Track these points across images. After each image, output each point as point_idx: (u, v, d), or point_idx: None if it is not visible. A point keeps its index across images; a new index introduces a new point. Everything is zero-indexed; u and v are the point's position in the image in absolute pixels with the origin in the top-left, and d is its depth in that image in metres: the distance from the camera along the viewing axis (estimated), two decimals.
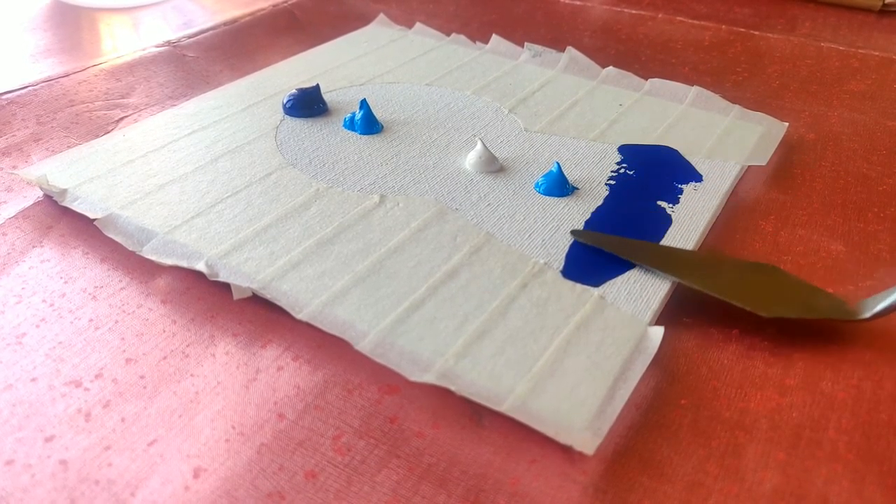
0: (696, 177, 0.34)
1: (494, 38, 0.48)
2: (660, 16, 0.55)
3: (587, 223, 0.30)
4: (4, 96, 0.40)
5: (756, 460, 0.21)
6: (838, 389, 0.24)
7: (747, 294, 0.26)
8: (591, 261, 0.28)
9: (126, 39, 0.49)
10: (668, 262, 0.28)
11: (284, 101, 0.38)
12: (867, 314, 0.25)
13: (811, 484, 0.21)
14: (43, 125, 0.38)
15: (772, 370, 0.24)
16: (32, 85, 0.41)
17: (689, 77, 0.43)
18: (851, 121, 0.40)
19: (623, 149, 0.36)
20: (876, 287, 0.28)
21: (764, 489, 0.21)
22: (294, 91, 0.38)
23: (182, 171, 0.33)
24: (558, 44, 0.48)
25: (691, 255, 0.29)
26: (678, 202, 0.32)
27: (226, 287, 0.27)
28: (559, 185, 0.32)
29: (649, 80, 0.43)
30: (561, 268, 0.28)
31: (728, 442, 0.22)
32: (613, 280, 0.27)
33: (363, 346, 0.24)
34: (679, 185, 0.33)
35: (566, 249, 0.29)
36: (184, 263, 0.27)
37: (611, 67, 0.44)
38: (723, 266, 0.29)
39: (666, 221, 0.31)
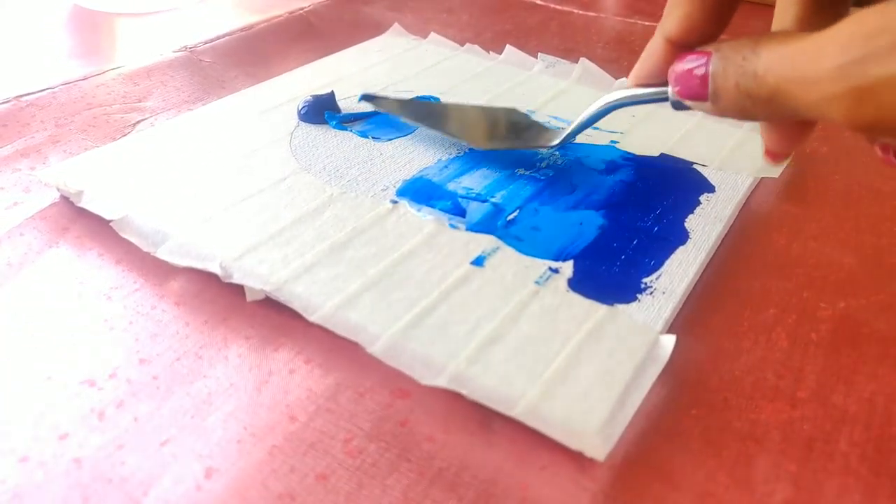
0: (709, 188, 0.34)
1: (508, 48, 0.48)
2: None
3: (597, 232, 0.30)
4: (24, 98, 0.40)
5: (767, 472, 0.21)
6: (850, 402, 0.24)
7: (475, 132, 0.34)
8: (599, 274, 0.28)
9: (144, 44, 0.49)
10: (438, 119, 0.35)
11: (299, 108, 0.39)
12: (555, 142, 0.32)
13: (822, 497, 0.21)
14: (61, 127, 0.38)
15: (783, 382, 0.24)
16: (51, 88, 0.42)
17: None
18: None
19: (635, 159, 0.36)
20: (888, 301, 0.28)
21: (775, 501, 0.21)
22: (309, 97, 0.39)
23: (197, 174, 0.33)
24: (572, 55, 0.48)
25: (464, 110, 0.38)
26: (691, 213, 0.32)
27: (239, 290, 0.27)
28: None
29: None
30: (570, 277, 0.28)
31: (739, 452, 0.22)
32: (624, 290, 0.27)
33: (375, 349, 0.24)
34: (692, 196, 0.33)
35: (576, 260, 0.29)
36: (198, 265, 0.28)
37: (624, 79, 0.44)
38: (481, 113, 0.37)
39: (679, 232, 0.31)
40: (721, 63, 0.22)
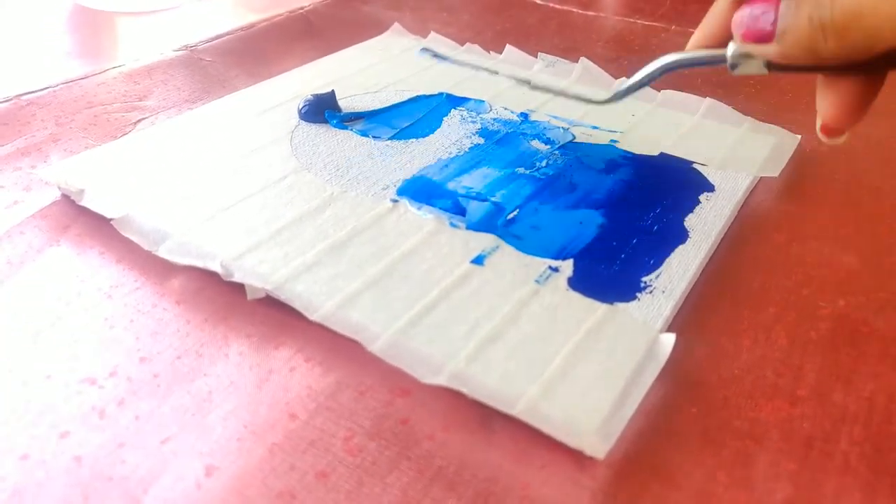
0: (709, 187, 0.34)
1: (508, 48, 0.48)
2: (673, 27, 0.56)
3: (598, 230, 0.30)
4: (25, 97, 0.40)
5: (766, 470, 0.21)
6: (850, 401, 0.24)
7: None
8: (599, 273, 0.28)
9: (144, 43, 0.49)
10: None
11: (300, 107, 0.39)
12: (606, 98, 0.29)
13: (822, 495, 0.21)
14: (62, 126, 0.38)
15: (783, 381, 0.24)
16: (52, 86, 0.42)
17: (701, 89, 0.43)
18: (865, 134, 0.40)
19: (635, 158, 0.36)
20: (888, 300, 0.28)
21: (774, 499, 0.21)
22: (309, 97, 0.39)
23: (198, 173, 0.33)
24: (571, 54, 0.48)
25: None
26: (691, 212, 0.32)
27: (239, 288, 0.27)
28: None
29: (662, 91, 0.43)
30: (570, 276, 0.28)
31: (738, 451, 0.22)
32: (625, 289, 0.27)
33: (376, 347, 0.24)
34: (692, 195, 0.33)
35: (576, 259, 0.29)
36: (199, 263, 0.28)
37: (623, 78, 0.44)
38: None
39: (679, 231, 0.31)
40: (792, 1, 0.22)
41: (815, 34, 0.22)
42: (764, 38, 0.23)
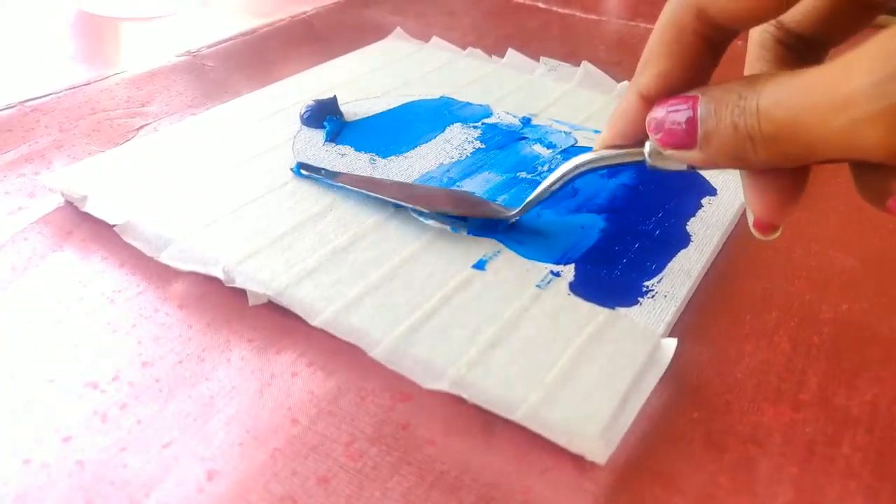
0: (711, 191, 0.34)
1: (510, 52, 0.48)
2: None
3: (599, 234, 0.30)
4: (28, 103, 0.41)
5: (769, 475, 0.21)
6: (853, 406, 0.24)
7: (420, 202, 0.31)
8: (600, 278, 0.28)
9: (147, 49, 0.49)
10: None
11: (302, 112, 0.39)
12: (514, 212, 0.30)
13: (824, 500, 0.21)
14: (65, 132, 0.38)
15: (785, 385, 0.24)
16: (56, 93, 0.42)
17: None
18: None
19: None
20: (891, 304, 0.28)
21: None
22: (311, 102, 0.39)
23: (200, 179, 0.33)
24: (574, 58, 0.48)
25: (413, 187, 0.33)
26: (693, 216, 0.32)
27: (242, 293, 0.27)
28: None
29: None
30: (571, 280, 0.28)
31: (740, 456, 0.22)
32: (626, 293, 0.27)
33: (377, 353, 0.24)
34: (694, 199, 0.33)
35: (577, 263, 0.29)
36: (201, 269, 0.28)
37: (626, 82, 0.44)
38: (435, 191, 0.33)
39: (681, 235, 0.31)
40: (711, 105, 0.20)
41: (743, 143, 0.19)
42: (684, 144, 0.21)
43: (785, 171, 0.21)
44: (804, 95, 0.18)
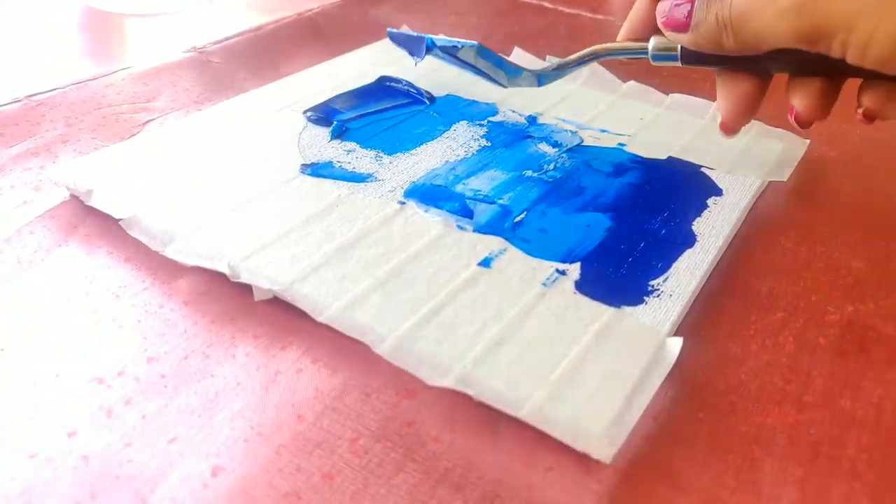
0: (717, 191, 0.34)
1: (516, 50, 0.48)
2: None
3: (605, 233, 0.30)
4: (35, 98, 0.41)
5: (773, 476, 0.21)
6: (858, 407, 0.24)
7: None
8: (606, 276, 0.28)
9: (153, 45, 0.49)
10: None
11: (307, 112, 0.39)
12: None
13: (829, 502, 0.21)
14: (71, 127, 0.38)
15: (790, 386, 0.24)
16: (62, 87, 0.42)
17: (710, 93, 0.43)
18: (874, 139, 0.40)
19: (643, 162, 0.36)
20: None
21: None
22: (315, 105, 0.39)
23: (205, 174, 0.33)
24: None
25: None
26: (698, 216, 0.32)
27: (247, 289, 0.27)
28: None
29: (670, 94, 0.43)
30: (577, 279, 0.28)
31: (745, 456, 0.22)
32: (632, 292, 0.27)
33: (382, 349, 0.24)
34: (699, 199, 0.33)
35: (583, 262, 0.29)
36: (206, 264, 0.28)
37: (632, 82, 0.44)
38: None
39: (686, 235, 0.31)
40: (704, 1, 0.27)
41: (720, 29, 0.27)
42: (680, 27, 0.28)
43: (747, 80, 0.29)
44: None
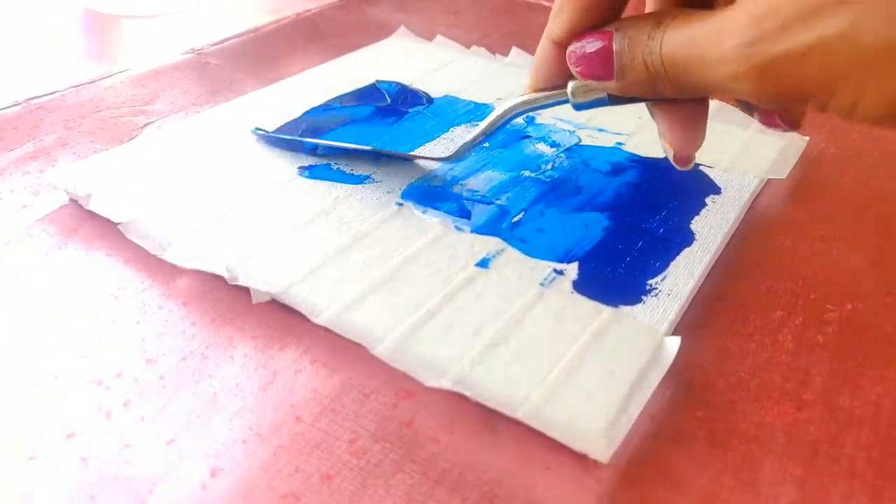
0: (715, 189, 0.34)
1: (514, 50, 0.48)
2: None
3: (603, 233, 0.30)
4: (33, 101, 0.41)
5: (773, 475, 0.21)
6: (857, 405, 0.24)
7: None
8: (604, 276, 0.28)
9: (152, 46, 0.49)
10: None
11: (306, 110, 0.39)
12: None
13: (828, 500, 0.21)
14: (70, 130, 0.38)
15: (789, 385, 0.24)
16: (61, 90, 0.42)
17: None
18: (873, 136, 0.40)
19: (641, 161, 0.36)
20: None
21: None
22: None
23: (203, 177, 0.33)
24: None
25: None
26: (697, 214, 0.32)
27: (245, 289, 0.27)
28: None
29: None
30: (575, 279, 0.28)
31: (744, 455, 0.22)
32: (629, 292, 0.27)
33: (380, 350, 0.24)
34: (698, 198, 0.33)
35: (581, 262, 0.29)
36: (204, 267, 0.28)
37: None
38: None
39: (685, 234, 0.31)
40: (625, 41, 0.23)
41: (653, 78, 0.23)
42: (602, 75, 0.24)
43: (686, 106, 0.25)
44: (693, 47, 0.21)
